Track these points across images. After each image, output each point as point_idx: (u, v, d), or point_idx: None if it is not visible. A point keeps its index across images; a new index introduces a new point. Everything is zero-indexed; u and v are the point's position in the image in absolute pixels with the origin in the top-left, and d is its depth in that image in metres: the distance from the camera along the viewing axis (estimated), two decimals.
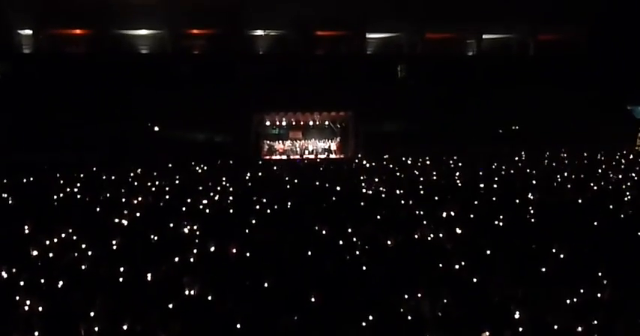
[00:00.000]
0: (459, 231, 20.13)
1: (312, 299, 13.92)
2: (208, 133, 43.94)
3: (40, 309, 13.70)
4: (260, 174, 35.83)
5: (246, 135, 45.04)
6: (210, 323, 12.88)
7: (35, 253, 17.76)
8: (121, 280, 15.71)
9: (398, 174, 35.38)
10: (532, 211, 23.56)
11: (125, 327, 12.72)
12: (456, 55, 53.44)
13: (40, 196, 26.67)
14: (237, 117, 43.54)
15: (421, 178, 32.93)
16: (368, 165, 39.66)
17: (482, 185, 29.90)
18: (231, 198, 27.11)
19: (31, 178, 32.10)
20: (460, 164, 38.63)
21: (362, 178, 32.76)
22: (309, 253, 17.83)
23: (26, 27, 47.57)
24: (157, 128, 44.45)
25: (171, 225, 21.41)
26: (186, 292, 14.62)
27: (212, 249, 18.35)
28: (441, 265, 16.48)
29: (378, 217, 22.58)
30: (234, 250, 17.94)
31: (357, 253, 17.76)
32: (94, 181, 31.82)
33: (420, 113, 45.63)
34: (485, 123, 46.51)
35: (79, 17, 46.57)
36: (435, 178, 32.88)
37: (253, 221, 21.87)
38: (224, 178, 32.45)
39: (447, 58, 52.19)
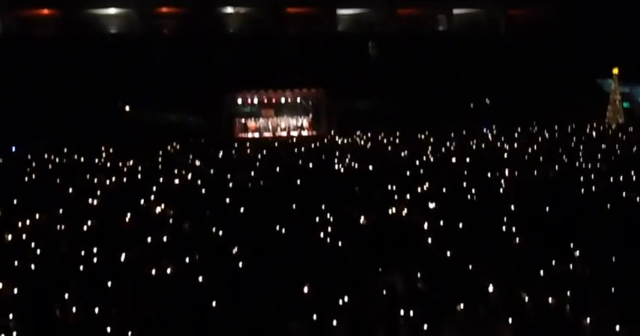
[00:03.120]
0: (432, 207, 20.25)
1: (287, 278, 13.94)
2: (180, 113, 43.72)
3: (15, 292, 13.64)
4: (233, 153, 35.77)
5: (218, 114, 44.85)
6: (185, 304, 12.86)
7: (8, 236, 17.66)
8: (94, 261, 15.65)
9: (370, 151, 35.46)
10: (504, 187, 23.72)
11: (98, 309, 12.67)
12: (427, 31, 53.42)
13: (12, 181, 26.43)
14: (209, 96, 43.32)
15: (393, 155, 33.03)
16: (340, 142, 39.70)
17: (454, 160, 30.03)
18: (203, 177, 27.06)
19: (1, 163, 31.83)
20: (432, 140, 38.75)
21: (335, 155, 32.76)
22: (283, 231, 17.88)
23: None
24: (127, 108, 44.15)
25: (144, 205, 21.36)
26: (160, 273, 14.60)
27: (186, 229, 18.35)
28: (414, 242, 16.57)
29: (352, 194, 22.63)
30: (209, 230, 17.94)
31: (331, 230, 17.78)
32: (66, 164, 31.61)
33: (392, 90, 45.66)
34: (458, 99, 46.62)
35: None
36: (407, 154, 32.94)
37: (226, 200, 21.87)
38: (197, 158, 32.35)
39: (418, 34, 52.16)
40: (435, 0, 51.81)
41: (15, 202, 22.09)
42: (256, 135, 45.52)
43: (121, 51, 45.83)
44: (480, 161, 29.84)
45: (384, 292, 13.12)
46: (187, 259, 15.49)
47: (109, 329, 11.94)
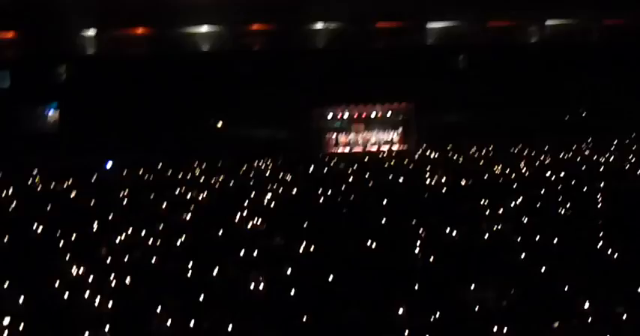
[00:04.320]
0: (525, 221, 19.90)
1: (377, 293, 13.87)
2: (270, 128, 44.06)
3: (109, 306, 13.91)
4: (323, 168, 35.87)
5: (307, 129, 45.05)
6: (276, 318, 12.90)
7: (103, 251, 18.05)
8: (187, 276, 15.86)
9: (461, 165, 35.09)
10: (600, 201, 23.13)
11: (192, 324, 12.82)
12: (519, 42, 52.59)
13: (107, 196, 27.02)
14: (299, 111, 43.57)
15: (485, 169, 32.59)
16: (431, 156, 39.40)
17: (548, 174, 29.46)
18: (294, 192, 27.20)
19: (96, 179, 32.55)
20: (525, 154, 38.11)
21: (425, 169, 32.51)
22: (374, 246, 17.81)
23: (87, 28, 48.11)
24: (219, 124, 44.74)
25: (236, 221, 21.59)
26: (252, 288, 14.70)
27: (277, 244, 18.43)
28: (507, 257, 16.29)
29: (443, 209, 22.40)
30: (300, 246, 17.99)
31: (421, 245, 17.62)
32: (159, 180, 32.17)
33: (483, 103, 45.10)
34: (551, 111, 45.77)
35: (139, 17, 46.99)
36: (499, 168, 32.47)
37: (318, 216, 21.90)
38: (287, 173, 32.54)
39: (509, 45, 51.39)
40: (526, 11, 50.94)
41: (110, 217, 22.56)
42: (346, 150, 45.55)
43: (212, 67, 46.44)
44: (575, 174, 29.18)
45: (476, 308, 12.92)
46: (279, 274, 15.55)
47: None
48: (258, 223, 21.13)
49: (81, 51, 46.91)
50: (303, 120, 44.33)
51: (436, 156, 39.40)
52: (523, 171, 31.46)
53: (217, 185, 29.93)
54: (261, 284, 14.78)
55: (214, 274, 15.75)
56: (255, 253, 17.50)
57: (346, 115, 46.58)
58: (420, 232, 19.05)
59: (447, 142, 42.20)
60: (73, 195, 27.56)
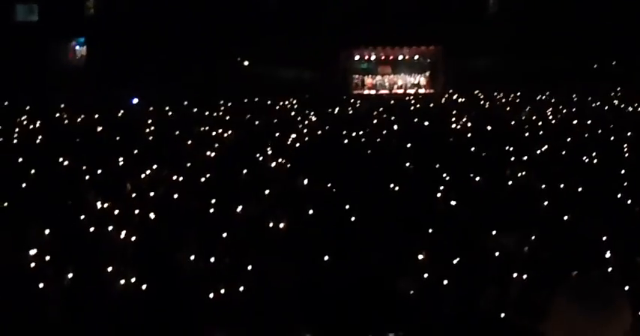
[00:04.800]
0: (550, 169, 19.83)
1: (399, 236, 13.93)
2: (297, 69, 43.90)
3: (133, 239, 14.09)
4: (349, 109, 35.82)
5: (334, 70, 44.87)
6: (297, 257, 13.02)
7: (128, 186, 18.22)
8: (210, 213, 16.00)
9: (488, 111, 34.88)
10: (627, 151, 22.97)
11: (213, 259, 12.98)
12: None
13: (133, 132, 27.15)
14: (326, 52, 43.33)
15: (512, 115, 32.40)
16: (458, 101, 39.17)
17: (575, 122, 29.26)
18: (319, 133, 27.23)
19: (122, 114, 32.68)
20: (553, 101, 37.79)
21: (452, 114, 32.36)
22: (397, 188, 17.85)
23: None
24: (246, 63, 44.65)
25: (260, 159, 21.68)
26: (275, 226, 14.81)
27: (300, 184, 18.50)
28: (530, 204, 16.28)
29: (468, 154, 22.37)
30: (323, 186, 18.06)
31: (444, 189, 17.62)
32: (184, 117, 32.25)
33: (513, 48, 44.58)
34: (580, 60, 45.16)
35: None
36: (526, 114, 32.25)
37: (342, 157, 21.94)
38: (312, 114, 32.52)
39: None
40: None
41: (135, 152, 22.70)
42: (372, 92, 45.40)
43: (241, 5, 46.16)
44: (602, 123, 28.94)
45: (497, 254, 12.97)
46: (301, 213, 15.65)
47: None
48: (282, 163, 21.19)
49: None
50: (330, 61, 44.11)
51: (462, 101, 39.15)
52: (550, 118, 31.22)
53: (242, 124, 29.96)
54: (283, 223, 14.85)
55: (237, 211, 15.85)
56: (278, 192, 17.57)
57: (373, 57, 46.29)
58: (444, 176, 19.04)
59: (474, 87, 41.88)
60: (99, 130, 27.70)
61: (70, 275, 12.18)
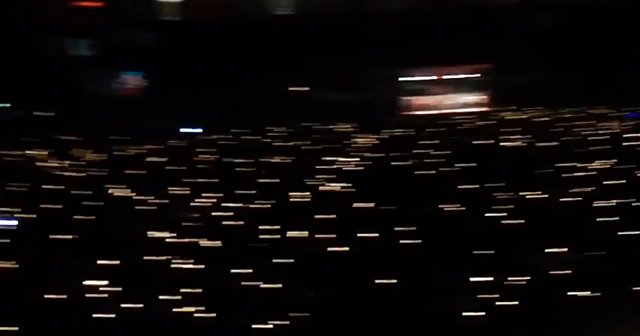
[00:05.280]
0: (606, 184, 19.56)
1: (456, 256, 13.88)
2: (347, 92, 43.88)
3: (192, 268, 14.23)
4: (400, 131, 35.66)
5: (384, 92, 44.78)
6: (351, 280, 13.02)
7: (185, 214, 18.40)
8: (267, 238, 16.08)
9: (542, 127, 34.48)
10: None
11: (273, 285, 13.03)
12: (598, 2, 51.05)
13: (185, 161, 27.36)
14: (376, 74, 43.31)
15: (567, 131, 32.00)
16: (511, 118, 38.79)
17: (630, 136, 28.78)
18: (372, 155, 27.19)
19: (178, 144, 32.95)
20: (608, 115, 37.24)
21: (505, 132, 32.05)
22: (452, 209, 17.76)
23: None
24: (297, 89, 44.79)
25: (314, 184, 21.74)
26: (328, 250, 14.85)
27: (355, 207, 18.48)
28: (587, 220, 16.07)
29: (523, 172, 22.15)
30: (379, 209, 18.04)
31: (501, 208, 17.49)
32: (239, 144, 32.41)
33: (565, 63, 44.09)
34: (633, 74, 44.42)
35: None
36: (581, 130, 31.84)
37: (395, 179, 21.88)
38: (364, 137, 32.45)
39: (594, 3, 49.92)
40: None
41: (190, 181, 22.86)
42: (424, 112, 45.19)
43: (291, 31, 46.44)
44: None
45: (553, 271, 12.83)
46: (357, 236, 15.65)
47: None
48: (335, 187, 21.21)
49: (163, 16, 47.34)
50: (380, 83, 44.06)
51: (515, 117, 38.77)
52: (606, 134, 30.76)
53: (295, 149, 30.05)
54: (338, 247, 14.88)
55: (294, 236, 15.92)
56: (334, 216, 17.60)
57: (422, 77, 46.15)
58: (499, 194, 18.89)
59: (527, 103, 41.44)
60: (155, 158, 27.99)
61: (132, 305, 12.33)
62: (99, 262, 14.43)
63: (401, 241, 15.33)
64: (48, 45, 42.35)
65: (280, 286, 13.07)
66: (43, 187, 22.58)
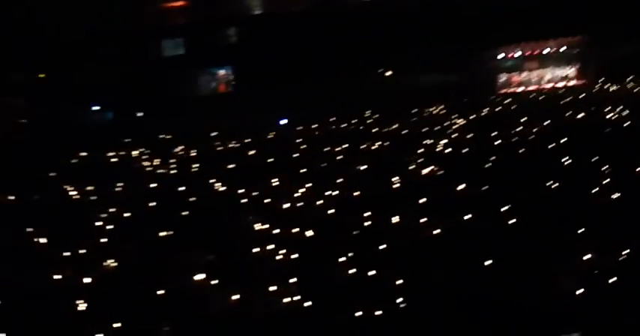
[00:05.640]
0: None
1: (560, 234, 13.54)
2: (439, 73, 43.50)
3: (294, 257, 14.29)
4: (495, 109, 35.22)
5: (478, 71, 44.21)
6: (454, 264, 12.84)
7: (284, 205, 18.53)
8: (365, 225, 16.03)
9: None
10: None
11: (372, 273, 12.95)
12: None
13: (284, 151, 27.58)
14: (468, 54, 42.80)
15: None
16: (611, 90, 37.82)
17: None
18: (469, 136, 26.88)
19: (273, 136, 33.25)
20: None
21: (606, 105, 31.21)
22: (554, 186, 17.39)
23: None
24: (388, 73, 44.67)
25: (410, 168, 21.59)
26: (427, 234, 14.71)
27: (456, 190, 18.26)
28: None
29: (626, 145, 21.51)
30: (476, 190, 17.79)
31: (605, 184, 17.02)
32: (332, 132, 32.51)
33: None
34: None
35: None
36: None
37: (494, 158, 21.56)
38: (460, 118, 32.14)
39: None
40: None
41: (288, 172, 23.02)
42: (520, 89, 44.48)
43: (378, 16, 46.24)
44: None
45: None
46: (457, 220, 15.46)
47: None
48: (435, 170, 21.03)
49: (249, 11, 47.82)
50: (473, 62, 43.54)
51: (615, 89, 37.74)
52: None
53: (391, 134, 29.95)
54: (440, 230, 14.73)
55: (393, 222, 15.82)
56: (433, 200, 17.44)
57: (518, 53, 45.39)
58: (603, 169, 18.39)
59: (626, 74, 40.25)
60: (252, 151, 28.31)
61: (236, 296, 12.44)
62: (202, 256, 14.62)
63: (502, 222, 15.02)
64: (138, 47, 43.32)
65: (379, 273, 12.94)
66: (141, 186, 23.11)
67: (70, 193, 22.89)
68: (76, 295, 12.99)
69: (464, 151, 24.24)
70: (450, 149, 24.84)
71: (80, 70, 41.90)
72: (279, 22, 46.19)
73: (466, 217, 15.54)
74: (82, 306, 12.62)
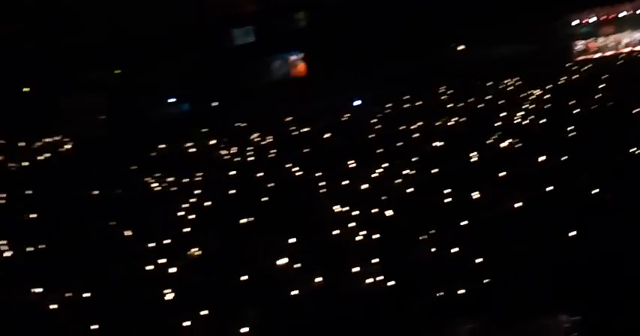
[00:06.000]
0: None
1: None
2: (513, 44, 42.80)
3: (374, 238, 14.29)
4: (571, 77, 34.51)
5: (552, 40, 43.36)
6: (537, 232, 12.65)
7: (361, 186, 18.53)
8: (445, 202, 15.94)
9: None
10: None
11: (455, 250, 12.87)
12: None
13: (360, 133, 27.50)
14: (542, 22, 41.99)
15: None
16: None
17: None
18: (546, 106, 26.42)
19: (349, 117, 33.20)
20: None
21: None
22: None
23: None
24: (461, 47, 44.15)
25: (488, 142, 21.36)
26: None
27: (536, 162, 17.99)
28: None
29: None
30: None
31: None
32: (407, 110, 32.26)
33: None
34: None
35: None
36: None
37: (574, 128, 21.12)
38: (536, 88, 31.55)
39: None
40: None
41: (366, 153, 22.98)
42: (597, 55, 43.45)
43: None
44: None
45: None
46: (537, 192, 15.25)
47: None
48: (513, 142, 20.75)
49: None
50: (547, 30, 42.70)
51: None
52: None
53: (465, 108, 29.61)
54: (521, 203, 14.55)
55: (473, 198, 15.69)
56: (512, 173, 17.23)
57: (592, 18, 44.33)
58: None
59: None
60: (326, 135, 28.34)
61: (320, 279, 12.52)
62: (284, 241, 14.74)
63: (585, 192, 14.73)
64: (210, 38, 43.68)
65: (462, 250, 12.84)
66: (220, 174, 23.39)
67: (152, 185, 23.32)
68: (162, 284, 13.24)
69: (542, 121, 23.81)
70: (527, 121, 24.43)
71: (155, 65, 42.48)
72: (349, 4, 46.02)
73: (548, 189, 15.30)
74: (169, 295, 12.86)
